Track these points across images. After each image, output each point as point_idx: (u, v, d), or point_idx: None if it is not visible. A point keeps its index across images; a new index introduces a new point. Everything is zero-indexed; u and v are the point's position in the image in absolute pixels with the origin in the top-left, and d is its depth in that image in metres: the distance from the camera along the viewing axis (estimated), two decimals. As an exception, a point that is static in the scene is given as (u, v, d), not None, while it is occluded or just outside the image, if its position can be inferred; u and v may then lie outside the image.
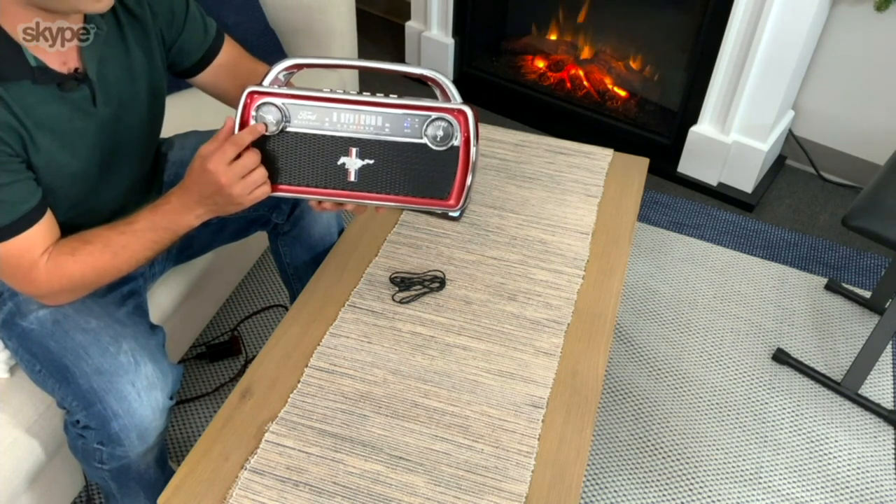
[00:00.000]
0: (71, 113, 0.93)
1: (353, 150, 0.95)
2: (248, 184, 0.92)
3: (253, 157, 0.92)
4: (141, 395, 0.99)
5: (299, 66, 0.99)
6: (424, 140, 0.95)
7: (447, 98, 0.96)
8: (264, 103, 0.94)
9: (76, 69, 0.92)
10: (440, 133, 0.94)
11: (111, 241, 0.94)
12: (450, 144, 0.95)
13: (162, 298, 1.34)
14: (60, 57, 0.91)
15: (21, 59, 0.85)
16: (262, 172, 0.93)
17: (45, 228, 0.92)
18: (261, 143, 0.97)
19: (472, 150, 0.95)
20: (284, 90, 0.95)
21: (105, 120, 0.98)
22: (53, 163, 0.92)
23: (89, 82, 0.94)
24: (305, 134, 0.95)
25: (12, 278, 0.94)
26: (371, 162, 0.95)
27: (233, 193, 0.91)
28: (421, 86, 2.53)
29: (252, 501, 0.90)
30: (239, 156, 0.90)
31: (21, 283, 0.94)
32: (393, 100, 0.94)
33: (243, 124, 0.95)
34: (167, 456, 1.22)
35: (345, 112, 0.95)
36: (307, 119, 0.95)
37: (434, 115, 0.94)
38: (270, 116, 0.94)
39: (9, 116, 0.85)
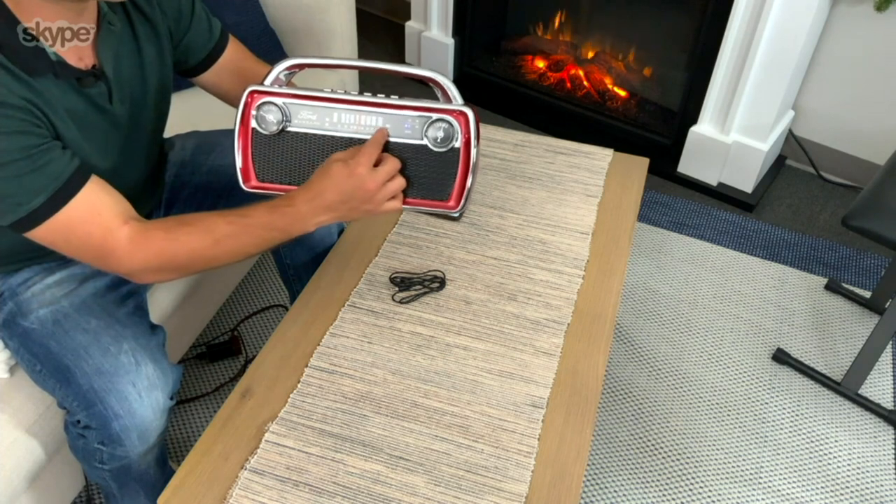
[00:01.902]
0: (88, 108, 0.93)
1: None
2: (388, 191, 0.92)
3: (396, 163, 0.92)
4: (141, 395, 0.99)
5: (301, 66, 0.99)
6: (425, 141, 0.95)
7: (448, 99, 0.96)
8: (265, 102, 0.94)
9: (93, 66, 0.93)
10: (441, 134, 0.94)
11: (216, 227, 0.92)
12: (450, 146, 0.94)
13: (162, 298, 1.34)
14: (77, 53, 0.91)
15: (42, 53, 0.86)
16: (401, 181, 0.94)
17: (102, 191, 0.89)
18: (261, 144, 0.97)
19: (473, 151, 0.95)
20: (285, 90, 0.95)
21: (119, 117, 0.98)
22: (80, 151, 0.91)
23: (106, 79, 0.94)
24: (306, 134, 0.95)
25: (88, 251, 0.89)
26: None
27: (375, 199, 0.91)
28: (422, 86, 2.53)
29: (252, 501, 0.90)
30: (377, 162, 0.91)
31: (98, 256, 0.90)
32: (394, 101, 0.94)
33: (244, 123, 0.95)
34: (167, 456, 1.22)
35: (345, 112, 0.95)
36: (308, 119, 0.95)
37: (435, 116, 0.94)
38: (271, 116, 0.95)
39: (37, 99, 0.84)
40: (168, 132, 1.22)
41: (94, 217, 0.88)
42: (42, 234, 0.87)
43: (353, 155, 0.91)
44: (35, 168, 0.83)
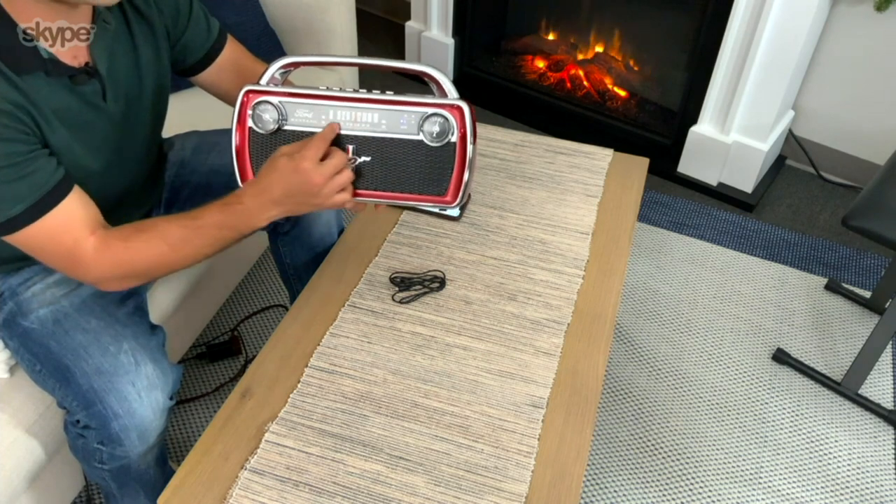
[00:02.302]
0: (82, 106, 0.93)
1: (350, 148, 0.95)
2: (336, 185, 0.92)
3: (342, 156, 0.92)
4: (141, 395, 0.99)
5: (296, 65, 0.99)
6: (421, 136, 0.95)
7: (444, 94, 0.96)
8: (261, 102, 0.94)
9: (87, 63, 0.93)
10: (436, 129, 0.94)
11: (170, 232, 0.93)
12: (446, 140, 0.94)
13: (162, 298, 1.34)
14: (71, 51, 0.91)
15: (34, 51, 0.85)
16: (349, 175, 0.94)
17: (79, 202, 0.90)
18: (258, 143, 0.97)
19: (469, 146, 0.95)
20: (281, 89, 0.95)
21: (113, 115, 0.98)
22: (69, 153, 0.92)
23: (100, 77, 0.94)
24: (303, 132, 0.95)
25: (60, 261, 0.91)
26: (368, 159, 0.95)
27: (322, 193, 0.91)
28: (421, 85, 2.53)
29: (252, 501, 0.90)
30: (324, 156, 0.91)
31: (70, 266, 0.92)
32: (389, 96, 0.94)
33: (240, 123, 0.95)
34: (167, 456, 1.22)
35: (341, 109, 0.95)
36: (304, 117, 0.95)
37: (430, 111, 0.94)
38: (267, 115, 0.95)
39: (23, 100, 0.84)
40: (168, 132, 1.22)
41: (67, 228, 0.89)
42: (18, 239, 0.88)
43: (299, 149, 0.91)
44: (19, 177, 0.84)
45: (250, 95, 0.94)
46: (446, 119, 0.93)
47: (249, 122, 0.96)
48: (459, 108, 0.93)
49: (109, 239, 0.91)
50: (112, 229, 0.93)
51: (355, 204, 0.98)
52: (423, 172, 0.96)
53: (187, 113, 1.45)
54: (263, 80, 0.97)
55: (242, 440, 0.97)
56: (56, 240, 0.89)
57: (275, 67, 0.98)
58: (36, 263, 1.06)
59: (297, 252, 1.35)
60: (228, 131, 1.01)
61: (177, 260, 0.95)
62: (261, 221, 0.94)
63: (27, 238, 0.88)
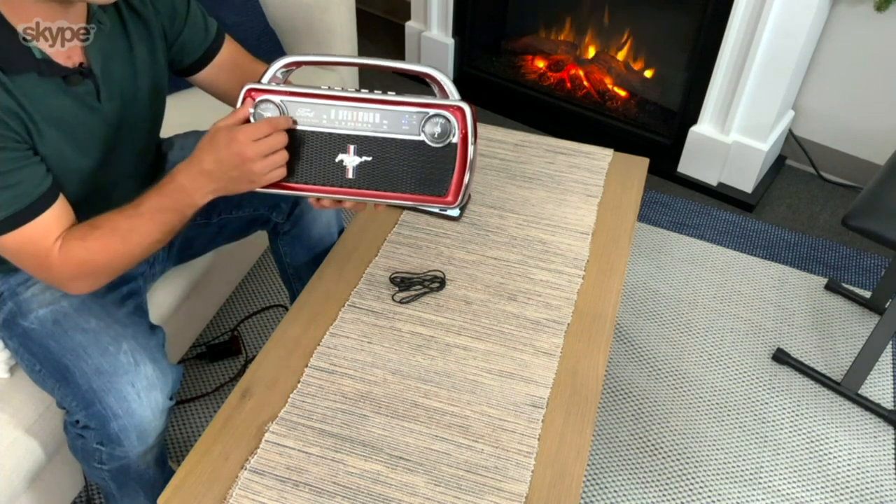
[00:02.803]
0: (76, 107, 0.93)
1: (351, 147, 0.95)
2: (269, 163, 0.91)
3: (281, 137, 0.91)
4: (141, 395, 0.99)
5: (298, 64, 0.99)
6: (422, 137, 0.95)
7: (445, 95, 0.96)
8: (263, 100, 0.94)
9: (80, 63, 0.93)
10: (438, 130, 0.94)
11: (118, 225, 0.93)
12: (447, 141, 0.94)
13: (162, 298, 1.34)
14: (64, 51, 0.91)
15: (26, 51, 0.85)
16: (284, 155, 0.92)
17: (59, 213, 0.91)
18: None
19: (470, 147, 0.95)
20: (283, 87, 0.95)
21: (108, 116, 0.98)
22: (60, 156, 0.92)
23: (94, 77, 0.94)
24: (303, 131, 0.95)
25: (31, 267, 0.92)
26: (369, 159, 0.95)
27: (253, 169, 0.90)
28: (421, 85, 2.53)
29: (252, 501, 0.90)
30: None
31: (39, 271, 0.93)
32: (391, 97, 0.94)
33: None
34: (167, 456, 1.21)
35: (343, 109, 0.95)
36: (305, 116, 0.95)
37: (432, 111, 0.94)
38: (269, 114, 0.95)
39: (13, 104, 0.84)
40: (167, 132, 1.22)
41: (42, 239, 0.90)
42: None
43: (237, 123, 0.90)
44: (4, 186, 0.84)
45: (252, 94, 0.94)
46: (448, 120, 0.93)
47: (250, 121, 0.96)
48: (461, 110, 0.94)
49: (68, 240, 0.91)
50: (70, 230, 0.93)
51: (281, 177, 0.96)
52: (424, 173, 0.96)
53: (187, 113, 1.44)
54: (265, 80, 0.97)
55: (242, 440, 0.97)
56: (32, 248, 0.90)
57: (277, 66, 0.98)
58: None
59: (297, 252, 1.35)
60: (228, 131, 1.00)
61: (131, 249, 0.94)
62: (198, 199, 0.93)
63: (4, 243, 0.88)
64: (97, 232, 0.92)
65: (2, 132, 0.83)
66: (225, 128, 0.90)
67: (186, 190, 0.92)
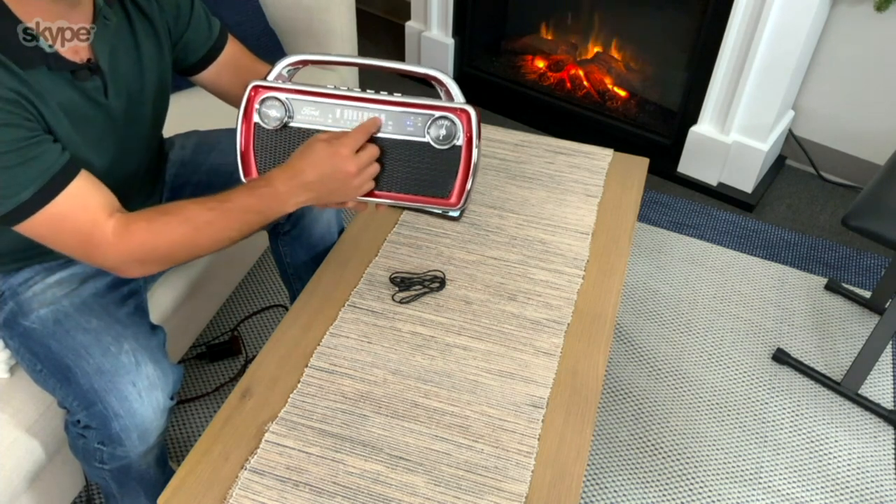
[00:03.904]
0: (83, 102, 0.93)
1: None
2: (366, 176, 0.92)
3: (375, 149, 0.92)
4: (142, 395, 0.99)
5: (304, 63, 0.99)
6: (427, 139, 0.95)
7: (450, 97, 0.96)
8: (268, 97, 0.94)
9: (88, 59, 0.93)
10: (443, 132, 0.94)
11: (195, 215, 0.92)
12: (452, 144, 0.95)
13: (162, 298, 1.34)
14: (72, 47, 0.91)
15: (35, 46, 0.85)
16: (376, 168, 0.94)
17: (90, 185, 0.89)
18: (263, 138, 0.97)
19: (475, 150, 0.95)
20: (288, 85, 0.95)
21: (115, 112, 0.98)
22: (71, 145, 0.91)
23: (101, 73, 0.94)
24: (308, 129, 0.95)
25: (75, 245, 0.89)
26: None
27: (353, 184, 0.91)
28: (421, 85, 2.53)
29: (252, 501, 0.90)
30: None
31: (84, 250, 0.90)
32: (396, 98, 0.95)
33: (246, 118, 0.96)
34: (167, 456, 1.22)
35: (348, 109, 0.95)
36: (310, 115, 0.95)
37: (437, 114, 0.94)
38: (274, 111, 0.95)
39: (28, 92, 0.84)
40: (168, 132, 1.22)
41: (81, 211, 0.88)
42: (30, 227, 0.87)
43: (337, 136, 0.92)
44: (24, 161, 0.83)
45: (258, 91, 0.95)
46: (453, 122, 0.94)
47: (255, 118, 0.96)
48: (466, 112, 0.94)
49: (130, 221, 0.90)
50: (134, 213, 0.92)
51: (357, 203, 0.98)
52: (428, 175, 0.96)
53: (188, 113, 1.45)
54: (270, 77, 0.97)
55: (242, 440, 0.97)
56: (70, 224, 0.88)
57: (283, 64, 0.98)
58: (37, 263, 1.06)
59: (297, 252, 1.35)
60: (229, 131, 1.01)
61: (201, 243, 0.93)
62: (288, 206, 0.93)
63: (38, 225, 0.86)
64: (167, 217, 0.91)
65: (13, 110, 0.82)
66: (325, 141, 0.91)
67: (280, 197, 0.92)
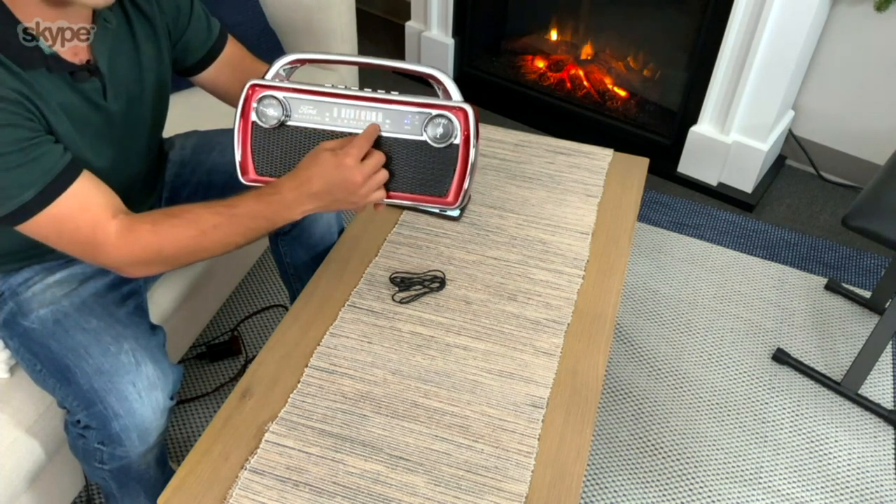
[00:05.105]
0: (82, 103, 0.93)
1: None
2: (373, 184, 0.93)
3: (381, 156, 0.93)
4: (142, 395, 0.99)
5: (302, 61, 0.99)
6: (424, 137, 0.95)
7: (448, 96, 0.96)
8: (266, 96, 0.94)
9: (87, 61, 0.93)
10: (440, 131, 0.94)
11: (202, 218, 0.92)
12: (449, 142, 0.95)
13: (162, 298, 1.34)
14: (72, 48, 0.91)
15: (35, 48, 0.85)
16: (385, 174, 0.94)
17: (93, 186, 0.89)
18: (260, 137, 0.97)
19: (472, 148, 0.95)
20: (286, 84, 0.95)
21: (114, 113, 0.98)
22: (73, 146, 0.91)
23: (101, 75, 0.94)
24: (306, 128, 0.95)
25: (77, 245, 0.90)
26: None
27: (360, 192, 0.92)
28: (420, 85, 2.53)
29: (252, 501, 0.90)
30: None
31: (87, 250, 0.90)
32: (394, 96, 0.95)
33: (244, 116, 0.95)
34: (167, 456, 1.22)
35: (346, 108, 0.95)
36: (308, 114, 0.95)
37: (434, 112, 0.94)
38: (271, 110, 0.95)
39: (29, 92, 0.84)
40: (168, 132, 1.22)
41: (83, 212, 0.88)
42: (32, 227, 0.87)
43: (342, 145, 0.92)
44: (26, 161, 0.83)
45: (255, 89, 0.95)
46: (450, 121, 0.94)
47: (253, 116, 0.96)
48: (464, 111, 0.94)
49: (135, 223, 0.90)
50: (140, 214, 0.92)
51: (380, 199, 0.98)
52: (425, 173, 0.96)
53: (187, 113, 1.45)
54: (268, 76, 0.97)
55: (242, 440, 0.97)
56: (72, 224, 0.88)
57: (281, 63, 0.98)
58: (36, 263, 1.06)
59: (297, 252, 1.35)
60: (229, 131, 1.01)
61: (206, 246, 0.93)
62: (295, 214, 0.94)
63: (41, 225, 0.86)
64: (173, 220, 0.92)
65: (15, 110, 0.82)
66: (331, 150, 0.91)
67: (288, 204, 0.93)
